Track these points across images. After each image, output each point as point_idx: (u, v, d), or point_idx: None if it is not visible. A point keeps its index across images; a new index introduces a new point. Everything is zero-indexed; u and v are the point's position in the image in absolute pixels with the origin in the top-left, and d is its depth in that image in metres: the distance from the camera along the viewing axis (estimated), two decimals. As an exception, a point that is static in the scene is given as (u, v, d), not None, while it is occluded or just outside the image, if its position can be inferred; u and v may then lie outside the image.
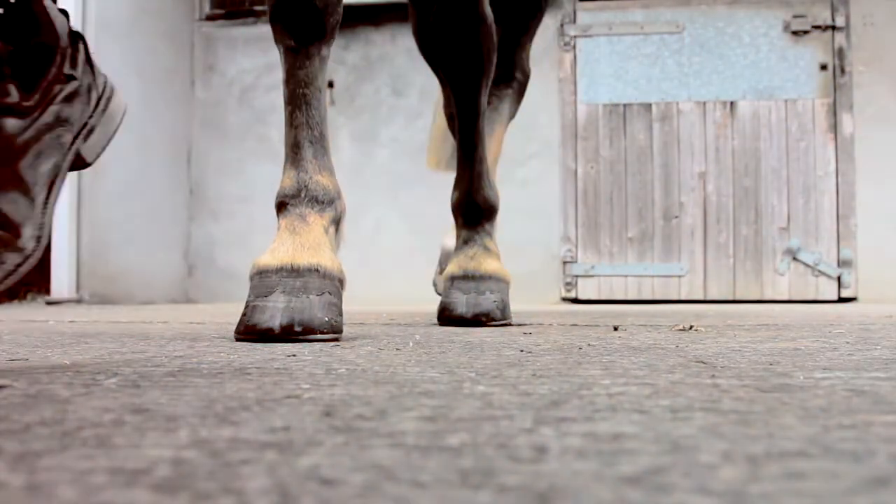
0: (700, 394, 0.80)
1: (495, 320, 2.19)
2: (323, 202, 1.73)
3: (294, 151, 1.73)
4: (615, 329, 1.96)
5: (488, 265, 2.27)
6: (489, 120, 2.66)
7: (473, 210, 2.32)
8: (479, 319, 2.16)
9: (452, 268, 2.29)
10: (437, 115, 3.16)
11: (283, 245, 1.65)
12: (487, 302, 2.19)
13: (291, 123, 1.73)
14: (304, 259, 1.62)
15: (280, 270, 1.60)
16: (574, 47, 5.67)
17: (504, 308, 2.24)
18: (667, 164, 5.55)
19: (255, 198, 5.81)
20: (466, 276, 2.24)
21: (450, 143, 3.04)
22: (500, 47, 2.70)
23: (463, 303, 2.18)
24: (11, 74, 1.10)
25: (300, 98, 1.72)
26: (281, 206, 1.73)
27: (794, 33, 5.47)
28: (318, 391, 0.84)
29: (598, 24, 5.66)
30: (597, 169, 5.60)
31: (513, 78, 2.89)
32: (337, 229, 1.81)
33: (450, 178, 2.54)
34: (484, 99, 2.29)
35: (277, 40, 1.75)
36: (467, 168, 2.31)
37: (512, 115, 2.92)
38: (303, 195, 1.71)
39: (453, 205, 2.36)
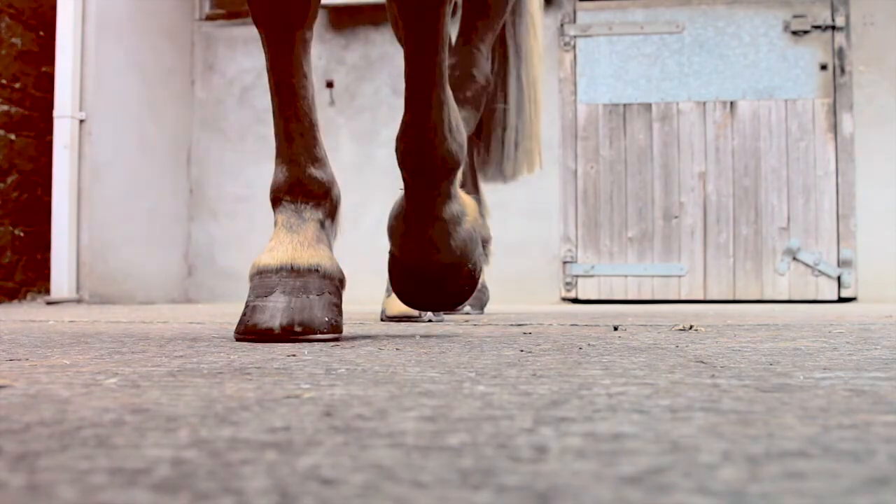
0: (700, 394, 0.80)
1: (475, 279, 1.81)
2: (318, 195, 1.71)
3: (285, 144, 1.70)
4: (615, 329, 1.96)
5: (454, 242, 1.74)
6: None
7: (429, 168, 1.68)
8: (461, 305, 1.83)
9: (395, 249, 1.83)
10: None
11: (282, 244, 1.64)
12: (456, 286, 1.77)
13: (280, 115, 1.69)
14: (303, 259, 1.61)
15: (280, 270, 1.59)
16: (574, 47, 5.67)
17: (472, 257, 1.77)
18: (667, 164, 5.54)
19: (255, 198, 5.80)
20: (426, 270, 1.78)
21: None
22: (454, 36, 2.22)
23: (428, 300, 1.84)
24: None
25: (286, 88, 1.68)
26: (276, 201, 1.71)
27: (794, 33, 5.47)
28: (318, 391, 0.84)
29: (598, 24, 5.65)
30: (597, 169, 5.60)
31: (469, 77, 2.42)
32: (333, 220, 1.79)
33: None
34: (446, 21, 1.60)
35: (258, 25, 1.68)
36: (420, 114, 1.65)
37: (470, 129, 2.47)
38: (297, 190, 1.69)
39: (400, 162, 1.71)
